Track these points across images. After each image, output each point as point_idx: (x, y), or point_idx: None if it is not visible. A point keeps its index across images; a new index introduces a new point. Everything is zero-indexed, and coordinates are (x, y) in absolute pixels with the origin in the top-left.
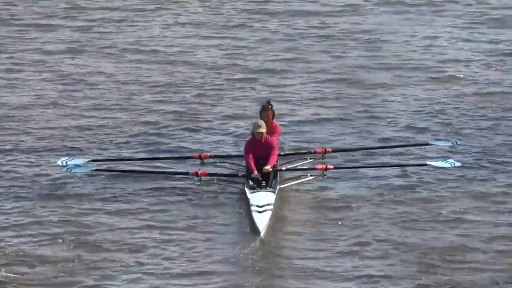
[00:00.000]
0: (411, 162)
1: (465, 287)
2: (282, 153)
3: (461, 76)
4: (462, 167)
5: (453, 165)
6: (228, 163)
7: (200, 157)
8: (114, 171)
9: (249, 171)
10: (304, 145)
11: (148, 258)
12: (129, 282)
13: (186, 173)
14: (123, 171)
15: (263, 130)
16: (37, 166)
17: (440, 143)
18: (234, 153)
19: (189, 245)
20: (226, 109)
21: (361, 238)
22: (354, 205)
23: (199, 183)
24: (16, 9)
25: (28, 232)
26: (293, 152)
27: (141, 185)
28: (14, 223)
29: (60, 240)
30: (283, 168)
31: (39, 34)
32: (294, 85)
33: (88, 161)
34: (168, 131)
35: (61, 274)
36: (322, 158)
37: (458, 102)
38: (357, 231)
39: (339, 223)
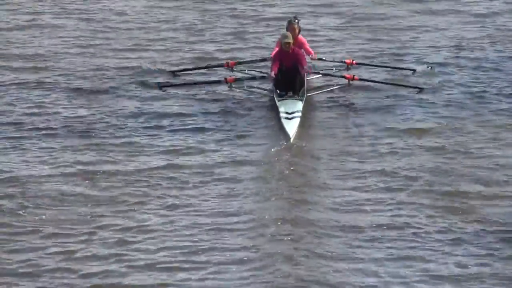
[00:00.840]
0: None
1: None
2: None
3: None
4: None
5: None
6: (255, 71)
7: (228, 64)
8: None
9: (271, 72)
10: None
11: (176, 167)
12: (161, 190)
13: (218, 81)
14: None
15: (290, 40)
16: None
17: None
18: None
19: (218, 151)
20: (252, 26)
21: (384, 143)
22: (381, 112)
23: (229, 89)
24: None
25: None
26: (323, 59)
27: (170, 99)
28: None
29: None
30: (321, 72)
31: None
32: (318, 22)
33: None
34: (196, 34)
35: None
36: (348, 69)
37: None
38: (382, 138)
39: (366, 129)
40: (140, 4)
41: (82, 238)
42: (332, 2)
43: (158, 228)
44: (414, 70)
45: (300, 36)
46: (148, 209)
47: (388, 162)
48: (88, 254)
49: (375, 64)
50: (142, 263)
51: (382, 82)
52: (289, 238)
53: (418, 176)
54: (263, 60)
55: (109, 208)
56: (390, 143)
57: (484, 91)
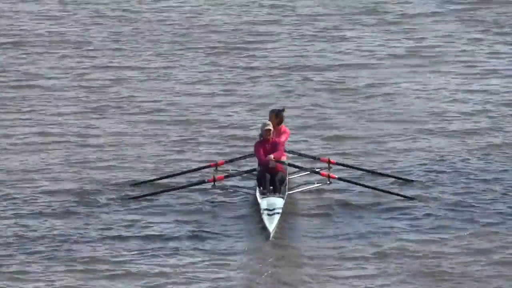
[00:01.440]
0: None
1: None
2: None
3: (469, 127)
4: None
5: None
6: (242, 167)
7: (216, 165)
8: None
9: (260, 163)
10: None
11: (162, 261)
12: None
13: (203, 181)
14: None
15: (271, 127)
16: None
17: None
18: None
19: (200, 247)
20: (233, 120)
21: (365, 245)
22: (360, 212)
23: (213, 190)
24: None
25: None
26: (298, 152)
27: (154, 202)
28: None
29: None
30: (287, 162)
31: (48, 60)
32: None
33: None
34: (179, 149)
35: None
36: (329, 168)
37: (466, 153)
38: (362, 238)
39: (344, 227)
40: (119, 122)
41: None
42: (320, 119)
43: None
44: (403, 179)
45: (284, 127)
46: None
47: (368, 280)
48: None
49: (354, 166)
50: None
51: (361, 185)
52: None
53: None
54: (251, 155)
55: None
56: (370, 259)
57: (466, 206)
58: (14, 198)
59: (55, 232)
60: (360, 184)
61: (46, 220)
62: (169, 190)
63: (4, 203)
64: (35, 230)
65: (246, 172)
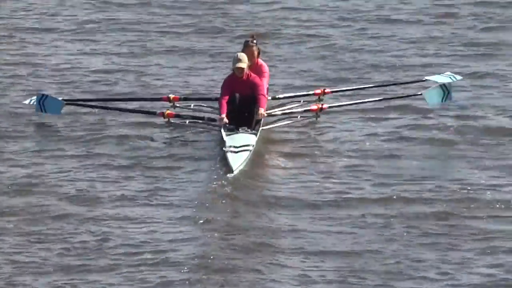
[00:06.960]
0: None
1: None
2: (270, 98)
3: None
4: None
5: (454, 79)
6: (202, 106)
7: (169, 99)
8: (85, 105)
9: (220, 112)
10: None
11: (113, 201)
12: (100, 230)
13: (153, 113)
14: (92, 106)
15: (244, 65)
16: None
17: (436, 78)
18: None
19: (152, 187)
20: (203, 48)
21: (344, 187)
22: (344, 153)
23: (166, 124)
24: None
25: None
26: (288, 96)
27: (104, 128)
28: None
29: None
30: (278, 112)
31: None
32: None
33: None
34: (137, 75)
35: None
36: (320, 100)
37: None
38: (342, 180)
39: (321, 170)
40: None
41: None
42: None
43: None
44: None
45: (261, 62)
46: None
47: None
48: None
49: (349, 88)
50: None
51: (353, 103)
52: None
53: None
54: (216, 99)
55: None
56: (347, 205)
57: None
58: None
59: None
60: (357, 103)
61: None
62: (117, 109)
63: None
64: None
65: (203, 120)
